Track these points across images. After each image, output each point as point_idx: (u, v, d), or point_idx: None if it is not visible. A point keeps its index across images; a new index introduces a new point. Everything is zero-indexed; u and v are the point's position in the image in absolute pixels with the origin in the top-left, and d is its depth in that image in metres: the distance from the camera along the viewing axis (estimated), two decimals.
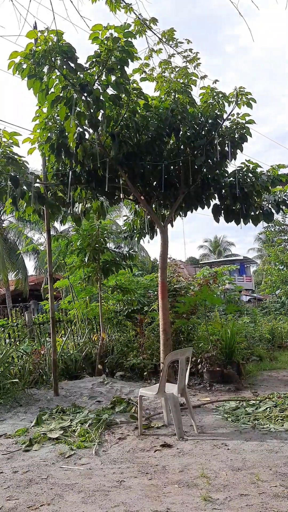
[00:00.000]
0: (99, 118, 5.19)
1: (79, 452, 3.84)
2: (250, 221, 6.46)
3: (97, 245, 7.71)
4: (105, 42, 4.75)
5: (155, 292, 9.09)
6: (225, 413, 4.91)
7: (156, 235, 6.95)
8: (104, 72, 4.88)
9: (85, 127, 5.31)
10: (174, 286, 8.20)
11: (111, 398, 5.59)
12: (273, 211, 6.53)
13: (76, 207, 6.45)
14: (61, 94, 4.91)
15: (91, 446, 3.96)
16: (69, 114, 4.92)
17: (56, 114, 5.33)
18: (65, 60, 4.67)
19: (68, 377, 7.00)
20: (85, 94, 4.82)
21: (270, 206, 6.53)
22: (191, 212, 6.64)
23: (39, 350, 7.15)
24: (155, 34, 5.53)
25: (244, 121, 5.86)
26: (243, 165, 6.31)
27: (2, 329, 8.23)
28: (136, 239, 7.49)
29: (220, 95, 5.74)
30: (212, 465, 3.38)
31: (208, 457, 3.57)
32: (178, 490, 2.96)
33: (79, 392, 5.99)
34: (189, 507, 2.67)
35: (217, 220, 6.45)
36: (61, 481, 3.21)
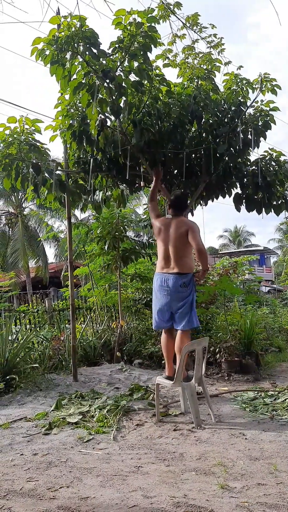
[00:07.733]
0: (121, 105, 5.14)
1: (97, 437, 3.89)
2: (272, 210, 6.36)
3: (117, 233, 7.72)
4: (128, 27, 4.68)
5: None
6: (243, 403, 4.90)
7: None
8: (126, 58, 4.83)
9: (107, 114, 5.28)
10: None
11: (129, 385, 5.64)
12: None
13: (97, 195, 6.45)
14: (83, 81, 4.87)
15: (109, 431, 4.01)
16: (91, 101, 4.88)
17: (78, 101, 5.31)
18: (87, 46, 4.62)
19: (87, 364, 7.08)
20: (107, 81, 4.78)
21: None
22: (212, 201, 6.56)
23: (58, 336, 7.25)
24: (178, 19, 5.44)
25: (268, 108, 5.74)
26: (266, 154, 6.20)
27: (23, 315, 8.38)
28: None
29: (244, 82, 5.61)
30: (229, 454, 3.38)
31: (225, 446, 3.58)
32: (195, 477, 2.97)
33: (97, 378, 6.05)
34: (206, 495, 2.68)
35: (238, 209, 6.37)
36: (79, 465, 3.27)
